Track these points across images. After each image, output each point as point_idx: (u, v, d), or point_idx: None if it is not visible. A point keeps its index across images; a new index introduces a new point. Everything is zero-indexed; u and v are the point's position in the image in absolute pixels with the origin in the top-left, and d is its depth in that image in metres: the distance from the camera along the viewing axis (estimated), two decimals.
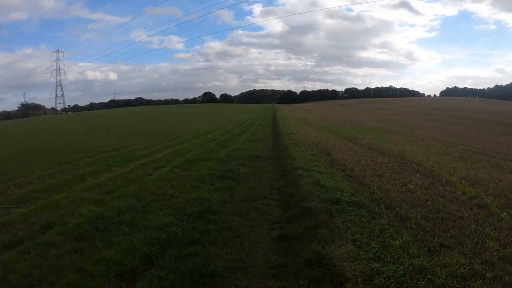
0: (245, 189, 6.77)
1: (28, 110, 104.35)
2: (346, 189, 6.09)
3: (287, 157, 10.13)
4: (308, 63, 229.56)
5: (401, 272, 3.13)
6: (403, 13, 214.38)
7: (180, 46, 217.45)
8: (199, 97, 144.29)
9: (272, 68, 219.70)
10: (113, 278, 3.33)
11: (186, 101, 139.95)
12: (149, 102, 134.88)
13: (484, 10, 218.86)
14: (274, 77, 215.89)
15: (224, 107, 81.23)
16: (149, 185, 7.04)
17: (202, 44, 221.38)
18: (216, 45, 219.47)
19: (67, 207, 5.74)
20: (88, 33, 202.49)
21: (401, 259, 3.38)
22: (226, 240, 4.23)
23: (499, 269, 3.20)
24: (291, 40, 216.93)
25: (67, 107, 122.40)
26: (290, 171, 8.07)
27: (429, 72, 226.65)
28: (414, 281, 3.00)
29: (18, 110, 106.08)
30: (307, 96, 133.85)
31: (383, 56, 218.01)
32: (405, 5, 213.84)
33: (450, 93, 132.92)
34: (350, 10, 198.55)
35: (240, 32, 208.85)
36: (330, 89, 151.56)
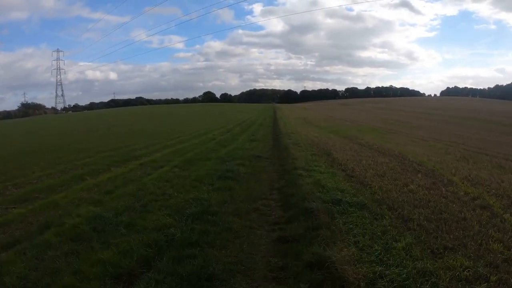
0: (245, 189, 6.70)
1: (28, 110, 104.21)
2: (347, 189, 6.02)
3: (288, 156, 10.08)
4: (309, 62, 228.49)
5: (404, 275, 3.05)
6: (404, 13, 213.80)
7: (180, 45, 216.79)
8: (199, 96, 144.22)
9: (272, 67, 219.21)
10: (109, 281, 3.27)
11: (186, 101, 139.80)
12: (149, 102, 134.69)
13: (484, 10, 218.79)
14: (275, 76, 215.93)
15: (224, 107, 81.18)
16: (148, 185, 6.99)
17: (202, 44, 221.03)
18: (216, 45, 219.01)
19: (65, 207, 5.69)
20: (88, 33, 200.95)
21: (404, 262, 3.31)
22: (225, 241, 4.16)
23: (504, 272, 3.14)
24: (292, 40, 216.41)
25: (67, 106, 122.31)
26: (290, 171, 8.01)
27: (430, 72, 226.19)
28: (418, 285, 2.93)
29: (18, 110, 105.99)
30: (307, 96, 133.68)
31: (384, 56, 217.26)
32: (405, 4, 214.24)
33: (451, 93, 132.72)
34: (351, 9, 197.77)
35: (240, 31, 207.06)
36: (330, 89, 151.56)
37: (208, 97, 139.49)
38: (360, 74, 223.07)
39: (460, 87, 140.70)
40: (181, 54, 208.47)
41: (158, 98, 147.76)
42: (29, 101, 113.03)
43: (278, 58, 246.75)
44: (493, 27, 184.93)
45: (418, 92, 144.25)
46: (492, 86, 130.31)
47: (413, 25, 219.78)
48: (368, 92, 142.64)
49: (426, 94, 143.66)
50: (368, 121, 31.77)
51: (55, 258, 3.73)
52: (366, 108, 64.11)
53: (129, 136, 19.72)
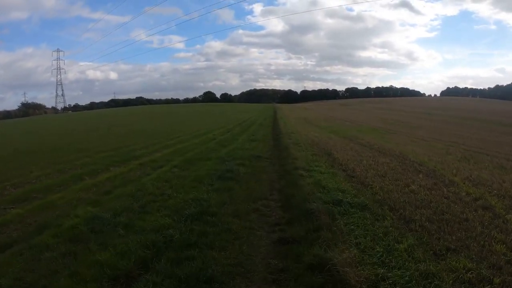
0: (244, 190, 6.64)
1: (29, 110, 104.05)
2: (348, 190, 5.97)
3: (288, 156, 10.03)
4: (309, 62, 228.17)
5: (407, 278, 3.01)
6: (404, 13, 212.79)
7: (180, 45, 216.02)
8: (199, 96, 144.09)
9: (272, 67, 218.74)
10: (106, 283, 3.22)
11: (186, 101, 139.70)
12: (150, 102, 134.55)
13: (484, 10, 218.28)
14: (275, 76, 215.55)
15: (224, 107, 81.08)
16: (147, 185, 6.95)
17: (202, 44, 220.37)
18: (216, 45, 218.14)
19: (63, 208, 5.66)
20: (89, 33, 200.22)
21: (406, 263, 3.26)
22: (224, 243, 4.11)
23: (507, 274, 3.09)
24: (292, 40, 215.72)
25: (67, 106, 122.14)
26: (290, 171, 7.96)
27: (430, 72, 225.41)
28: None
29: (18, 110, 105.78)
30: (307, 96, 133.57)
31: (384, 56, 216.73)
32: (405, 4, 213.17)
33: (451, 93, 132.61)
34: (351, 9, 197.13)
35: (240, 31, 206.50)
36: (330, 89, 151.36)
37: (208, 97, 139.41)
38: (360, 74, 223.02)
39: (460, 87, 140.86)
40: (182, 54, 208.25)
41: (158, 98, 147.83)
42: (29, 101, 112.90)
43: (278, 58, 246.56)
44: (493, 27, 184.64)
45: (418, 92, 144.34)
46: (492, 86, 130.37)
47: (413, 25, 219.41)
48: (368, 92, 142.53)
49: (426, 94, 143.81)
50: (368, 121, 31.72)
51: (52, 260, 3.69)
52: (366, 108, 64.04)
53: (129, 136, 19.67)
